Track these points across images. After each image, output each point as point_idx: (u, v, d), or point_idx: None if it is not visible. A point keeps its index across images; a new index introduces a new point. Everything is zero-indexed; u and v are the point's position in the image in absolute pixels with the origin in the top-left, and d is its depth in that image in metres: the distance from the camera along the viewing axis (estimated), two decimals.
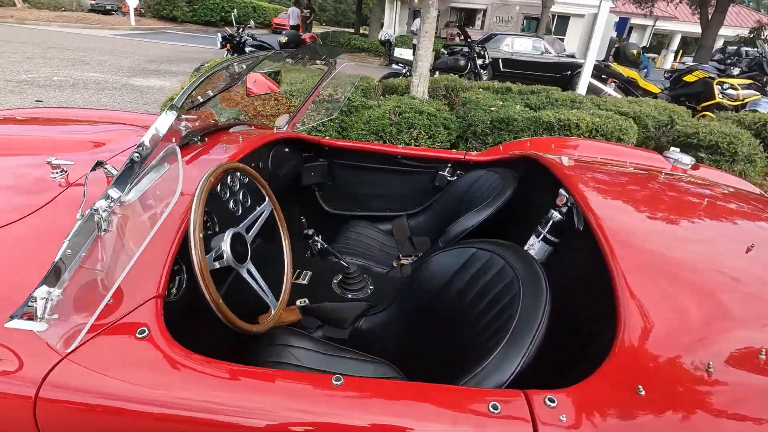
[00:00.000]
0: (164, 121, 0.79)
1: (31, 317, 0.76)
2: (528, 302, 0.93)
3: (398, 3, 19.20)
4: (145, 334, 0.78)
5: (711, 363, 0.72)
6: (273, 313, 1.09)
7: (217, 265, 1.00)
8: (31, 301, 0.74)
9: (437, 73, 6.65)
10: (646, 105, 4.35)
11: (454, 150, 2.23)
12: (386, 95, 4.36)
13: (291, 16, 15.50)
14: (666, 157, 1.90)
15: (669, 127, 4.03)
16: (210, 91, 1.45)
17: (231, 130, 1.67)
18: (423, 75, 4.30)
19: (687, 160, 1.85)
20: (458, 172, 2.14)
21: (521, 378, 0.82)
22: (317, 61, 2.54)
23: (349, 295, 1.54)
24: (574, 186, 1.26)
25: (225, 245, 1.01)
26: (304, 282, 1.64)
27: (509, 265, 1.07)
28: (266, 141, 1.61)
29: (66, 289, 0.75)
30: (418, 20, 7.91)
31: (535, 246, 1.46)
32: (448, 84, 4.80)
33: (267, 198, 1.22)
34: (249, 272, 1.08)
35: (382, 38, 7.55)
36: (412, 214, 2.23)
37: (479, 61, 7.32)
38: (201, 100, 1.38)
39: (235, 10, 12.38)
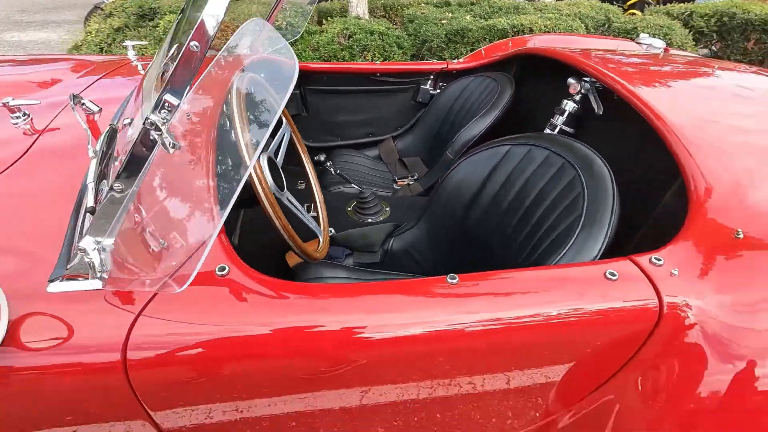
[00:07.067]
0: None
1: (79, 276, 0.63)
2: (594, 183, 0.92)
3: None
4: (225, 272, 0.68)
5: None
6: (321, 239, 1.01)
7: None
8: (77, 257, 0.61)
9: None
10: (583, 6, 4.40)
11: (434, 60, 2.11)
12: (327, 19, 4.00)
13: None
14: (639, 43, 1.94)
15: (607, 26, 4.15)
16: None
17: None
18: None
19: (659, 44, 1.90)
20: (440, 84, 2.05)
21: (605, 254, 0.83)
22: None
23: (369, 220, 1.48)
24: (593, 66, 1.24)
25: (265, 171, 0.89)
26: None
27: (554, 151, 1.05)
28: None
29: (119, 236, 0.62)
30: None
31: None
32: (386, 2, 4.50)
33: (284, 119, 1.08)
34: (289, 200, 0.97)
35: None
36: (398, 135, 2.14)
37: None
38: None
39: None
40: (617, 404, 0.82)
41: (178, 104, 0.55)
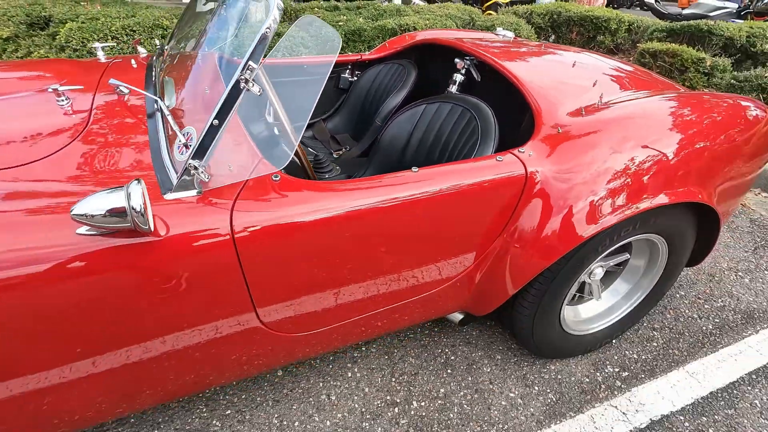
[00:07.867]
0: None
1: (184, 187, 0.97)
2: (482, 117, 1.48)
3: None
4: (278, 178, 1.06)
5: (583, 109, 1.39)
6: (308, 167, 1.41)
7: None
8: (178, 175, 0.95)
9: None
10: (452, 8, 5.24)
11: (350, 53, 2.56)
12: None
13: None
14: (496, 34, 2.63)
15: (471, 23, 5.02)
16: None
17: None
18: None
19: (510, 34, 2.61)
20: (357, 72, 2.52)
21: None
22: None
23: (326, 176, 1.89)
24: (471, 49, 1.81)
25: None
26: None
27: (455, 103, 1.59)
28: None
29: (212, 158, 0.97)
30: None
31: None
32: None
33: None
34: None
35: None
36: (327, 117, 2.55)
37: None
38: None
39: None
40: (509, 248, 1.37)
41: (257, 67, 0.93)
